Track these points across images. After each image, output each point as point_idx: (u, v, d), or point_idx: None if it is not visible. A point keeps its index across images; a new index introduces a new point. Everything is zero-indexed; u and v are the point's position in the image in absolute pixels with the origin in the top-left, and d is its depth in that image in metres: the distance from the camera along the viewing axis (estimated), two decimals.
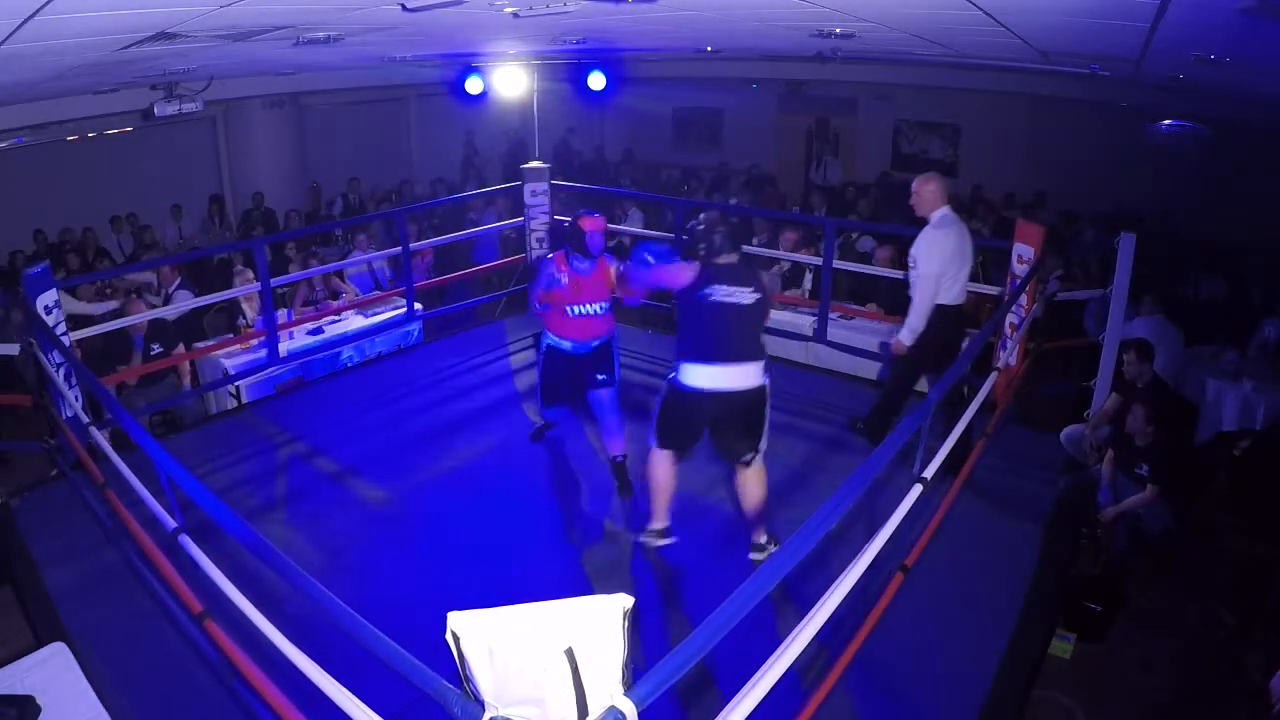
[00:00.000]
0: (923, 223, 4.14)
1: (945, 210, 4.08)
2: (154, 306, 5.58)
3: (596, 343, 4.06)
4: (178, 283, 6.26)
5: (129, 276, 6.58)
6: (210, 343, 5.75)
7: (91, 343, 4.91)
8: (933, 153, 11.11)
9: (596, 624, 1.35)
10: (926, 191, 4.09)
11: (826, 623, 1.99)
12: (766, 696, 1.70)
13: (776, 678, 1.75)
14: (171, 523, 2.83)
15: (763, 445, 3.43)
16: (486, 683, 1.39)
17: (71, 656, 2.85)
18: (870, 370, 5.61)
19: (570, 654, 1.32)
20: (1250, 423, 5.31)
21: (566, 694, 1.34)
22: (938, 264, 4.00)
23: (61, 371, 4.18)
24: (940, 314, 4.06)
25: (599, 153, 12.75)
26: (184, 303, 5.74)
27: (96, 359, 4.88)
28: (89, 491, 3.88)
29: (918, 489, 2.75)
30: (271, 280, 5.29)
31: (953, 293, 4.09)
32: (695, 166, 12.05)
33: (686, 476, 4.25)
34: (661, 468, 3.52)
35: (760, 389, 3.34)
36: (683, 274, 3.32)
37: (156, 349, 5.16)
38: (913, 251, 4.08)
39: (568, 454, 4.61)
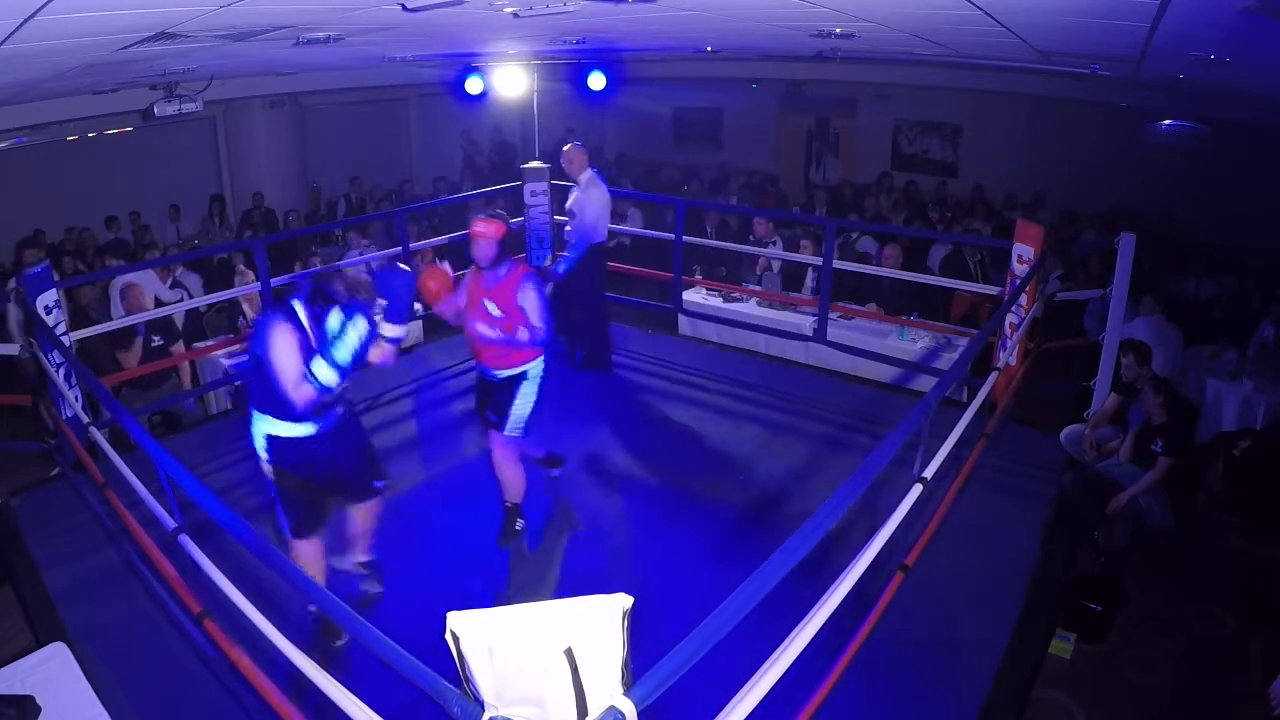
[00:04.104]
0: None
1: (591, 172, 5.22)
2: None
3: (498, 374, 3.58)
4: (183, 268, 6.36)
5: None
6: (210, 343, 5.75)
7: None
8: (933, 153, 11.08)
9: (596, 624, 1.35)
10: (576, 158, 5.21)
11: (826, 623, 1.99)
12: (766, 696, 1.70)
13: (776, 678, 1.76)
14: (171, 523, 2.83)
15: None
16: (486, 683, 1.40)
17: (71, 656, 2.85)
18: (870, 370, 5.60)
19: (570, 654, 1.32)
20: (1250, 423, 5.31)
21: (566, 694, 1.34)
22: (594, 215, 5.12)
23: (61, 371, 4.18)
24: (595, 250, 5.22)
25: (599, 153, 12.73)
26: (192, 286, 5.73)
27: (97, 345, 4.82)
28: (89, 491, 3.88)
29: (918, 489, 2.75)
30: (272, 280, 5.29)
31: (602, 234, 5.25)
32: (695, 166, 12.03)
33: (687, 477, 4.27)
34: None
35: None
36: None
37: (158, 340, 5.12)
38: (573, 205, 5.23)
39: (566, 455, 4.61)
